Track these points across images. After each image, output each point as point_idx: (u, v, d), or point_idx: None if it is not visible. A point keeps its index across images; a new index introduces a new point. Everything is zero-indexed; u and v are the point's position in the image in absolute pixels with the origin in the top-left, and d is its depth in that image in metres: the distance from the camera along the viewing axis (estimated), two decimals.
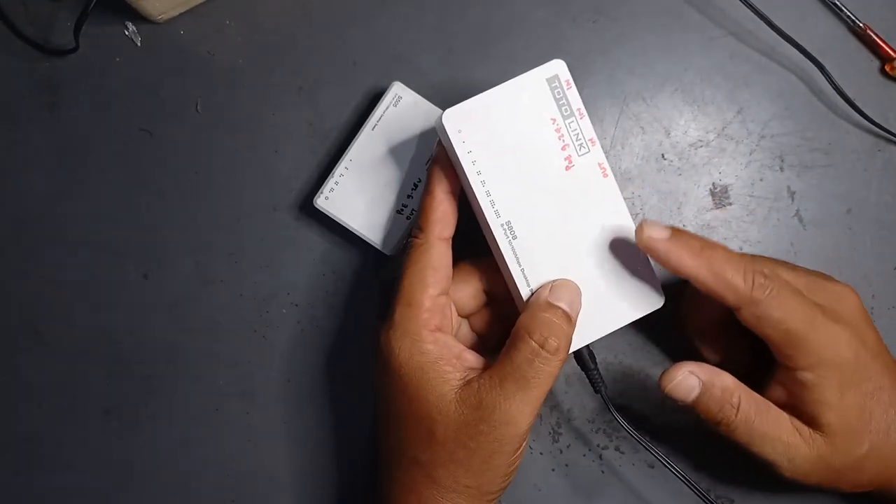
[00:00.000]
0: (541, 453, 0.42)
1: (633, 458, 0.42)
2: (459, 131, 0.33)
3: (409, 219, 0.39)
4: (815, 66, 0.41)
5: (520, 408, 0.32)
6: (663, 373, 0.35)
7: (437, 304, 0.34)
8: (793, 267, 0.36)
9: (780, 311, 0.32)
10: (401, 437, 0.35)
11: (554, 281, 0.34)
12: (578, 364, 0.36)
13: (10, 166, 0.43)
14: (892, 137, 0.42)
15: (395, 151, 0.39)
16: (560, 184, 0.34)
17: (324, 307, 0.42)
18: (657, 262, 0.34)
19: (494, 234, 0.34)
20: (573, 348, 0.35)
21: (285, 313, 0.42)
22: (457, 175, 0.35)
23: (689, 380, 0.34)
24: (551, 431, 0.42)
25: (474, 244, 0.36)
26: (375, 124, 0.39)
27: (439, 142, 0.35)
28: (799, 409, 0.34)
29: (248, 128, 0.42)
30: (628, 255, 0.35)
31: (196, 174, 0.42)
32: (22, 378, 0.43)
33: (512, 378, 0.32)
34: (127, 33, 0.42)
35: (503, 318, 0.38)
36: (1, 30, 0.42)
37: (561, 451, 0.42)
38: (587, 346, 0.36)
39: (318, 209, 0.40)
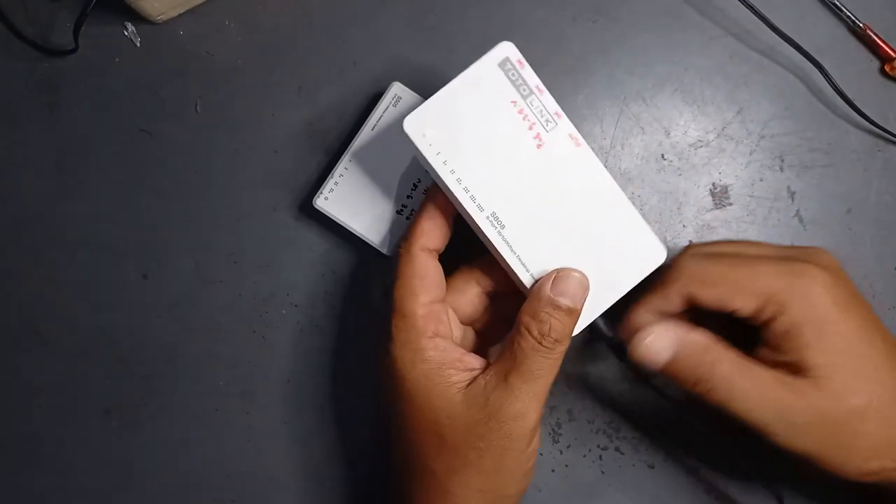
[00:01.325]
0: (541, 453, 0.42)
1: (633, 459, 0.42)
2: (424, 135, 0.33)
3: (408, 219, 0.39)
4: (815, 66, 0.41)
5: (526, 401, 0.32)
6: (631, 339, 0.34)
7: (432, 311, 0.34)
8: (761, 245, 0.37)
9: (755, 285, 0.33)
10: (412, 448, 0.35)
11: (557, 271, 0.34)
12: (595, 336, 0.36)
13: (10, 166, 0.43)
14: (891, 138, 0.42)
15: (395, 151, 0.39)
16: (535, 163, 0.34)
17: (324, 307, 0.42)
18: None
19: (482, 227, 0.34)
20: (587, 321, 0.35)
21: (285, 314, 0.42)
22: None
23: (660, 340, 0.33)
24: (551, 432, 0.42)
25: (474, 251, 0.36)
26: (375, 124, 0.39)
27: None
28: (783, 363, 0.33)
29: (248, 128, 0.42)
30: (619, 216, 0.35)
31: (196, 174, 0.43)
32: (22, 378, 0.43)
33: (515, 372, 0.32)
34: (126, 34, 0.42)
35: (507, 322, 0.38)
36: (1, 30, 0.42)
37: (561, 452, 0.42)
38: (601, 317, 0.35)
39: (317, 209, 0.40)
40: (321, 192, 0.40)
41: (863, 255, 0.42)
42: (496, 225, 0.34)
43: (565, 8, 0.42)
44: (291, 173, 0.42)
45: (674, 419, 0.42)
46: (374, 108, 0.40)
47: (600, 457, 0.42)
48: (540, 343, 0.32)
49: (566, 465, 0.42)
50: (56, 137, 0.43)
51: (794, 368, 0.33)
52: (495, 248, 0.34)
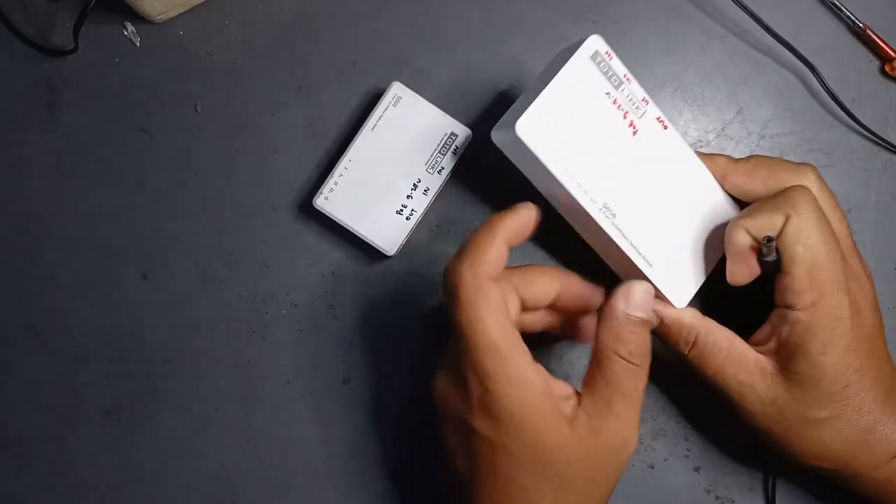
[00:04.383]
0: None
1: (633, 459, 0.42)
2: (538, 138, 0.33)
3: (408, 219, 0.39)
4: (808, 68, 0.41)
5: (633, 424, 0.32)
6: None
7: (520, 340, 0.32)
8: None
9: (821, 231, 0.33)
10: (527, 497, 0.32)
11: (626, 288, 0.33)
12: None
13: (9, 166, 0.43)
14: (880, 141, 0.42)
15: (395, 151, 0.39)
16: (633, 150, 0.35)
17: (323, 307, 0.42)
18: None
19: (596, 219, 0.34)
20: (692, 292, 0.37)
21: (285, 314, 0.42)
22: (520, 222, 0.33)
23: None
24: None
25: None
26: (375, 124, 0.39)
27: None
28: (779, 350, 0.34)
29: (248, 128, 0.42)
30: (704, 189, 0.37)
31: (195, 174, 0.42)
32: (22, 378, 0.43)
33: (618, 397, 0.32)
34: (126, 33, 0.42)
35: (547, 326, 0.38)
36: (1, 30, 0.42)
37: None
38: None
39: (317, 209, 0.40)
40: (321, 192, 0.40)
41: (863, 255, 0.42)
42: (609, 215, 0.35)
43: (565, 8, 0.42)
44: (291, 173, 0.42)
45: (673, 419, 0.42)
46: (374, 108, 0.40)
47: None
48: (631, 362, 0.32)
49: None
50: (56, 137, 0.43)
51: (782, 360, 0.34)
52: (608, 238, 0.35)
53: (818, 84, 0.41)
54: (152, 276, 0.43)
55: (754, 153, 0.42)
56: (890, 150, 0.42)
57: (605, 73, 0.34)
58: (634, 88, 0.35)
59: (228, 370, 0.43)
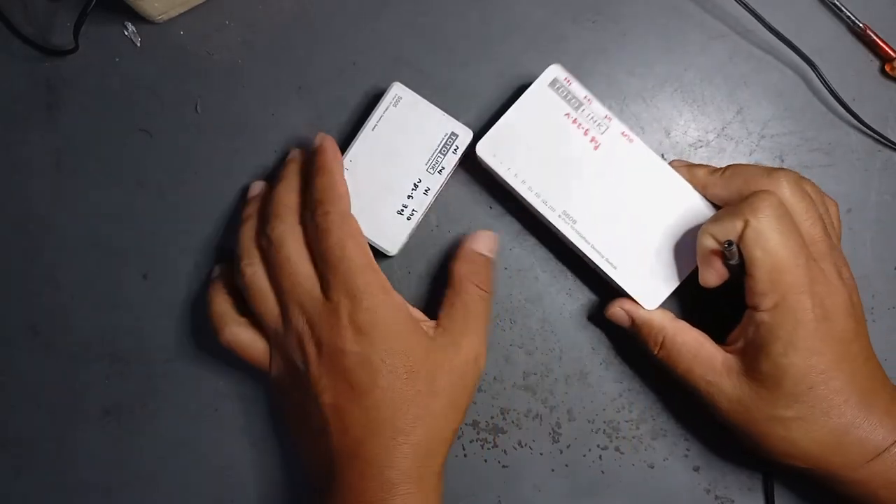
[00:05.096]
0: (541, 453, 0.42)
1: (633, 459, 0.42)
2: (494, 155, 0.38)
3: (409, 219, 0.39)
4: (809, 66, 0.41)
5: (483, 340, 0.38)
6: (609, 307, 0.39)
7: None
8: None
9: (781, 235, 0.33)
10: (402, 404, 0.35)
11: (474, 234, 0.39)
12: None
13: (9, 166, 0.43)
14: (881, 139, 0.42)
15: (395, 151, 0.39)
16: (595, 163, 0.38)
17: None
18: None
19: (556, 224, 0.38)
20: (665, 295, 0.38)
21: None
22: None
23: (620, 314, 0.39)
24: (551, 431, 0.42)
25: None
26: (375, 124, 0.39)
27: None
28: (745, 349, 0.35)
29: (248, 128, 0.42)
30: (674, 193, 0.38)
31: (196, 174, 0.43)
32: (22, 378, 0.43)
33: (471, 318, 0.37)
34: (126, 33, 0.42)
35: None
36: (1, 30, 0.42)
37: (561, 452, 0.42)
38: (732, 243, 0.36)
39: None
40: None
41: (863, 255, 0.42)
42: (568, 221, 0.38)
43: (565, 8, 0.42)
44: None
45: (673, 419, 0.42)
46: (374, 108, 0.40)
47: (600, 457, 0.42)
48: (481, 289, 0.38)
49: (566, 465, 0.42)
50: (56, 137, 0.43)
51: (749, 361, 0.35)
52: (571, 241, 0.38)
53: (818, 83, 0.41)
54: (152, 276, 0.43)
55: (754, 153, 0.42)
56: (891, 147, 0.42)
57: (565, 97, 0.38)
58: (596, 108, 0.38)
59: (228, 370, 0.43)
